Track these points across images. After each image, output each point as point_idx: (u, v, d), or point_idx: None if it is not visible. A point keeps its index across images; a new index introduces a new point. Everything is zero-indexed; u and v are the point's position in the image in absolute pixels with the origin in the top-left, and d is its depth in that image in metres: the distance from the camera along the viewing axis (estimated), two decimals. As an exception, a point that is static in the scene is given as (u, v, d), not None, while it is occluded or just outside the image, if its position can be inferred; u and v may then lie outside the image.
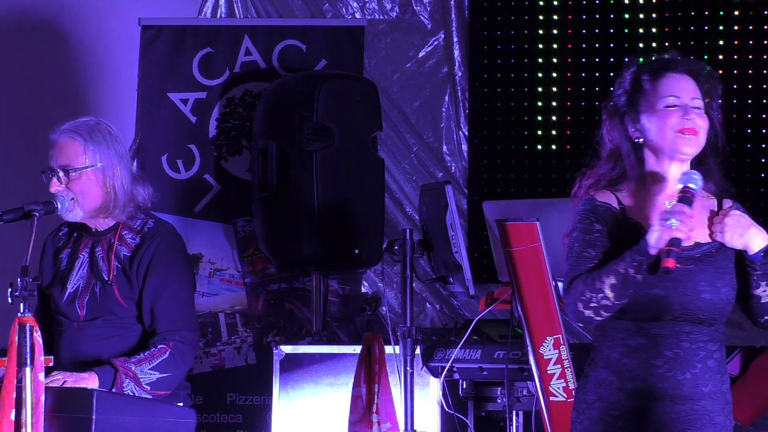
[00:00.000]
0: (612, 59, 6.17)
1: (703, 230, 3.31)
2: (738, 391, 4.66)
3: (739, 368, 4.45)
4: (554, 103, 6.20)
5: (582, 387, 3.40)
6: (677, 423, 3.34)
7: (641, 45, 6.15)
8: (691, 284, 3.28)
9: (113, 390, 4.07)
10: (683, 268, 3.24)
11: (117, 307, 4.32)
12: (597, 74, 6.21)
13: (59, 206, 4.28)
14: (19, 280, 3.73)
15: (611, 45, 6.17)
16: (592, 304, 3.27)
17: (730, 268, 3.34)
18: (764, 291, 3.34)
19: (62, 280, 4.40)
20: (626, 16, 6.16)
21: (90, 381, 4.11)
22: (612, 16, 6.19)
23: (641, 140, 3.36)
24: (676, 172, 3.32)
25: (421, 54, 6.38)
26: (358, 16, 6.36)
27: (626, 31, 6.17)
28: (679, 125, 3.28)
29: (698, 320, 3.31)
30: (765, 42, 5.99)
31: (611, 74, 6.14)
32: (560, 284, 4.36)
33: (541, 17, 6.24)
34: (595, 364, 3.38)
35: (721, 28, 6.05)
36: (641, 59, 3.43)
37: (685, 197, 3.26)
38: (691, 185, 3.26)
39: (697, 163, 3.34)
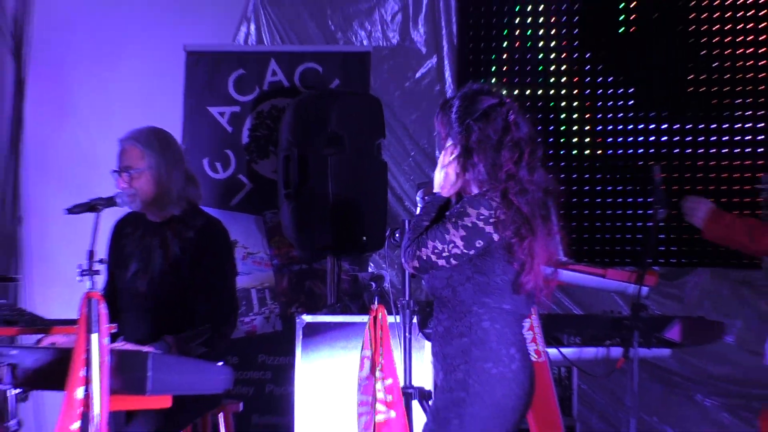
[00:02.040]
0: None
1: None
2: None
3: (680, 335, 4.43)
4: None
5: None
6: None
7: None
8: None
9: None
10: None
11: (170, 290, 4.34)
12: (564, 91, 6.20)
13: (119, 201, 4.30)
14: (86, 261, 3.76)
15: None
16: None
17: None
18: None
19: (125, 262, 4.43)
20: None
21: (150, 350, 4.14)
22: (577, 44, 6.18)
23: None
24: None
25: (417, 75, 6.39)
26: (365, 43, 6.37)
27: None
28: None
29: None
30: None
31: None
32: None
33: (517, 44, 6.24)
34: None
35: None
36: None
37: None
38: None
39: None
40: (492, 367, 3.26)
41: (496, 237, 3.24)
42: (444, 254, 3.25)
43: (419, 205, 3.42)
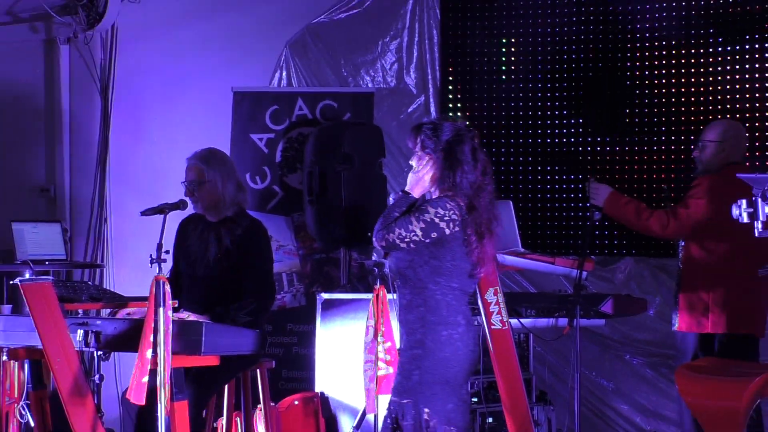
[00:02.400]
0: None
1: None
2: None
3: (612, 309, 4.39)
4: (493, 150, 6.18)
5: None
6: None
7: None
8: None
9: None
10: None
11: (222, 273, 4.31)
12: (522, 121, 6.16)
13: (181, 206, 4.27)
14: (155, 252, 3.72)
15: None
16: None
17: None
18: None
19: (187, 252, 4.41)
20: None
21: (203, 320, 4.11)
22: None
23: None
24: None
25: (409, 109, 6.36)
26: (370, 85, 6.34)
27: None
28: None
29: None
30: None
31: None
32: (500, 256, 4.36)
33: (485, 86, 6.21)
34: None
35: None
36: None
37: None
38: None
39: None
40: (442, 329, 3.34)
41: (447, 232, 3.33)
42: (406, 240, 3.33)
43: (392, 198, 3.49)
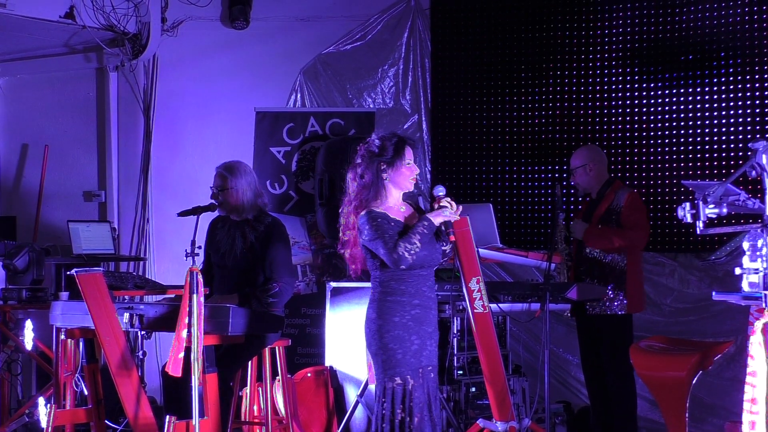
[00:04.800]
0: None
1: None
2: None
3: (576, 295, 4.39)
4: (476, 160, 6.18)
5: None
6: (434, 319, 3.45)
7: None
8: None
9: (246, 307, 4.07)
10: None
11: (247, 264, 4.30)
12: (499, 137, 6.16)
13: (212, 208, 4.27)
14: (189, 247, 3.72)
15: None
16: (409, 249, 3.28)
17: None
18: None
19: (217, 247, 4.40)
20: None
21: (233, 300, 4.10)
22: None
23: (387, 179, 3.42)
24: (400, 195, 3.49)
25: (405, 126, 6.35)
26: (371, 106, 6.33)
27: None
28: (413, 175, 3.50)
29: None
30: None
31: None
32: (481, 250, 4.36)
33: (476, 106, 6.21)
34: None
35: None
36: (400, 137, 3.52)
37: (443, 197, 3.37)
38: (440, 193, 3.34)
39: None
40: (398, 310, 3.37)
41: None
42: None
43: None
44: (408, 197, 3.54)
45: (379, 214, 3.40)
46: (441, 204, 3.41)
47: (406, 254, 3.31)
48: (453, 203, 3.42)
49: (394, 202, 3.49)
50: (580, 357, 4.94)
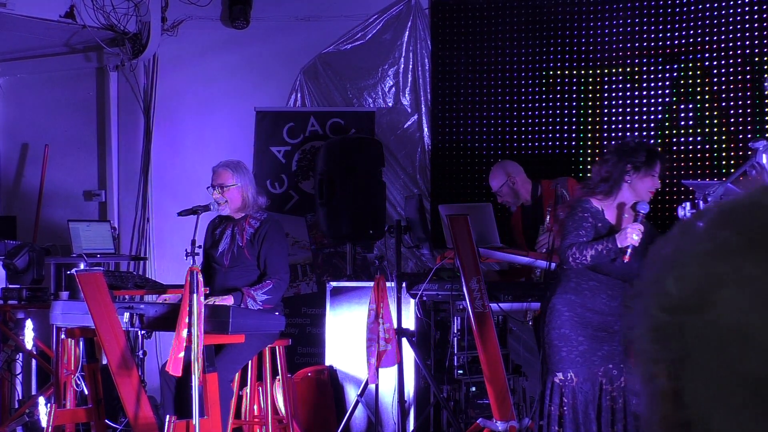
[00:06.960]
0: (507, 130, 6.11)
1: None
2: None
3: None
4: (476, 160, 6.18)
5: (552, 308, 3.34)
6: (608, 327, 3.34)
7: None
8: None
9: (241, 305, 4.06)
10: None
11: (245, 260, 4.31)
12: (493, 136, 6.16)
13: (212, 208, 4.26)
14: (189, 247, 3.72)
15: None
16: (577, 260, 3.24)
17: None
18: None
19: (216, 244, 4.40)
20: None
21: (228, 300, 4.10)
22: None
23: (629, 182, 3.34)
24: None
25: (405, 126, 6.34)
26: (371, 105, 6.33)
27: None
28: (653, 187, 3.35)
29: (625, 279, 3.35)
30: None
31: (507, 137, 6.13)
32: (482, 250, 4.36)
33: (476, 105, 6.20)
34: (563, 292, 3.35)
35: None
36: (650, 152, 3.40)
37: (641, 217, 3.27)
38: (642, 211, 3.27)
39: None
40: None
41: None
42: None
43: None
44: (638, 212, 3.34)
45: (589, 208, 3.33)
46: (637, 226, 3.25)
47: (571, 262, 3.28)
48: (642, 227, 3.25)
49: (621, 205, 3.37)
50: None
